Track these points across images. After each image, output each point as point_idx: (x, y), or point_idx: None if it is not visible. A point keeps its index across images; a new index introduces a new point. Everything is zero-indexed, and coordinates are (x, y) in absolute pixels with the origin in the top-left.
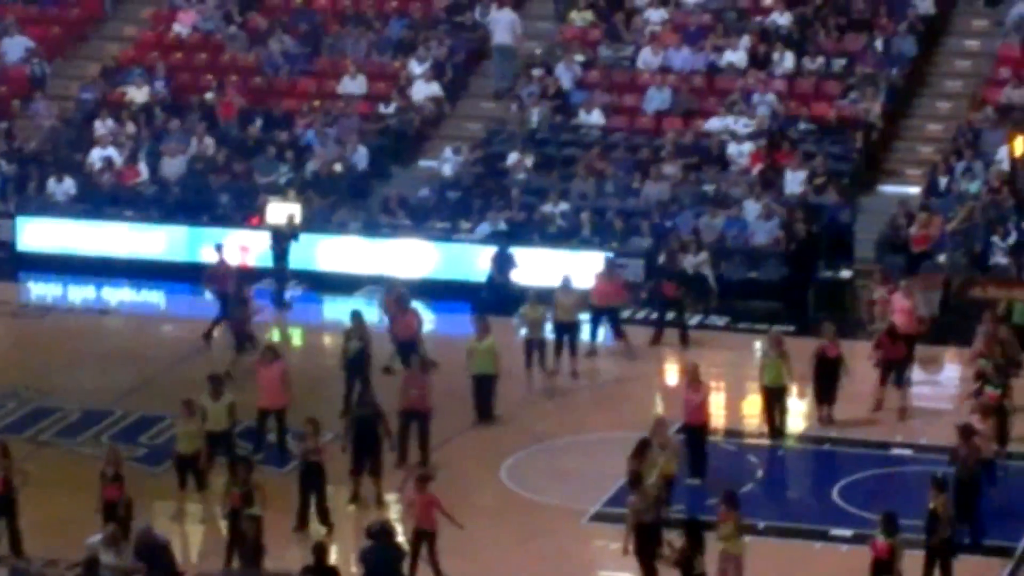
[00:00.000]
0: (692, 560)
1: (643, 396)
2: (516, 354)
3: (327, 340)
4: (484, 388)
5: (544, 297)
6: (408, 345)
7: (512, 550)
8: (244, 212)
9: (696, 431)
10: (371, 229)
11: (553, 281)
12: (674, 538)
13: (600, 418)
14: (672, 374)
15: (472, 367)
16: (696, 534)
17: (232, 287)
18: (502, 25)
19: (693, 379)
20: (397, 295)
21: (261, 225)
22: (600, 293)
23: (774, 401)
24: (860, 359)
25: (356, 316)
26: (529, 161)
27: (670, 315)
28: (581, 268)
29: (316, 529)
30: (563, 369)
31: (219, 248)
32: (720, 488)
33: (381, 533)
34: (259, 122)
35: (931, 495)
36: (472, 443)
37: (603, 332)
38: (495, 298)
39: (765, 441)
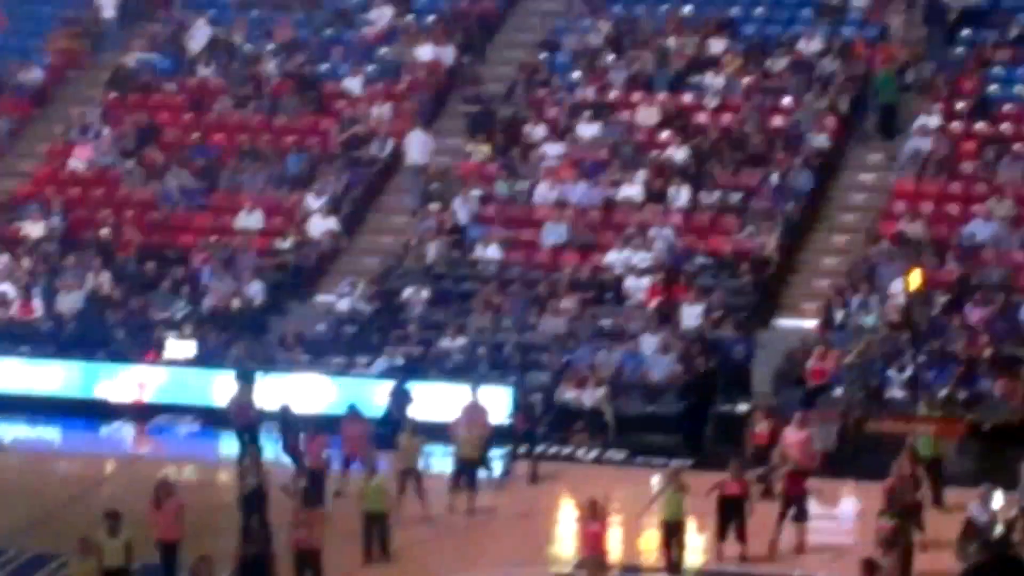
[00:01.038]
0: None
1: (537, 530)
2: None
3: (223, 475)
4: (375, 525)
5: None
6: (318, 476)
7: None
8: (140, 348)
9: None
10: (268, 365)
11: (451, 416)
12: None
13: (495, 553)
14: (567, 508)
15: (363, 504)
16: None
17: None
18: (414, 144)
19: (593, 512)
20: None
21: (157, 361)
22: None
23: (672, 536)
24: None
25: (253, 452)
26: (426, 295)
27: (521, 448)
28: (482, 402)
29: None
30: (458, 504)
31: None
32: None
33: None
34: (155, 261)
35: None
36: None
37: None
38: (392, 433)
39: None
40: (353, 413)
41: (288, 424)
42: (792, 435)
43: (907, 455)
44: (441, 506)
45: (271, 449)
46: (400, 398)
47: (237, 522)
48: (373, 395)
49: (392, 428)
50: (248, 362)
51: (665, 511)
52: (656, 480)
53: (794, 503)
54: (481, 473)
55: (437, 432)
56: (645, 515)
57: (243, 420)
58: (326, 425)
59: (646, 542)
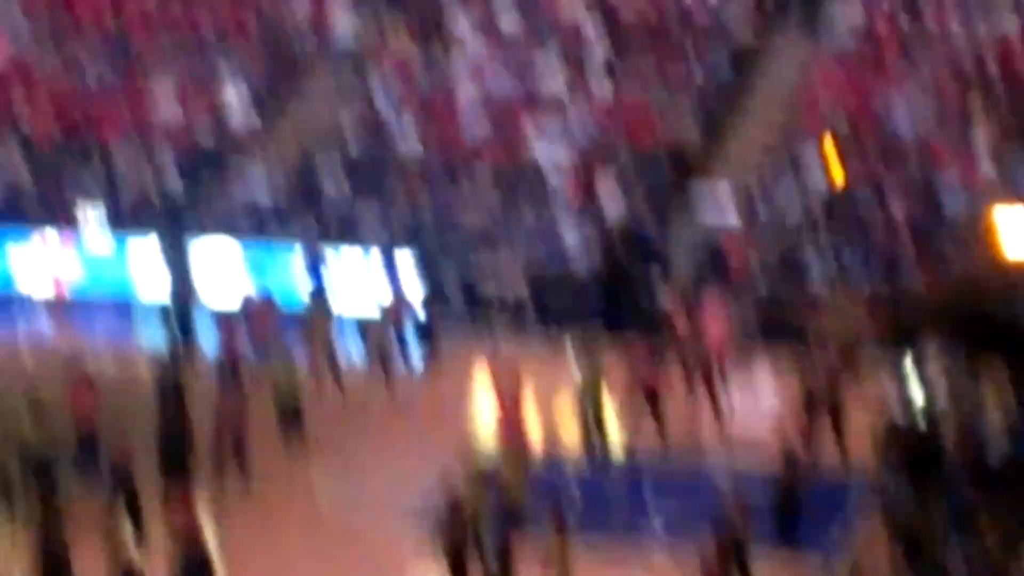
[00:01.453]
0: None
1: (458, 419)
2: None
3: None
4: (292, 415)
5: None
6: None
7: (328, 548)
8: (58, 239)
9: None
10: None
11: (368, 307)
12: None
13: (415, 442)
14: (488, 397)
15: (281, 393)
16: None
17: None
18: (335, 34)
19: (513, 401)
20: None
21: (76, 251)
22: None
23: (595, 424)
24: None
25: (171, 342)
26: (345, 187)
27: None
28: (400, 292)
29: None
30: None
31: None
32: (539, 512)
33: (197, 559)
34: (72, 151)
35: (729, 511)
36: (282, 470)
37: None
38: (308, 321)
39: (583, 464)
40: (265, 299)
41: (203, 307)
42: (712, 323)
43: (837, 341)
44: (359, 394)
45: (190, 338)
46: (317, 284)
47: (156, 412)
48: (290, 280)
49: (308, 316)
50: (169, 250)
51: (588, 400)
52: (574, 364)
53: (711, 387)
54: (399, 358)
55: (353, 317)
56: (566, 403)
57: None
58: (241, 313)
59: (567, 430)
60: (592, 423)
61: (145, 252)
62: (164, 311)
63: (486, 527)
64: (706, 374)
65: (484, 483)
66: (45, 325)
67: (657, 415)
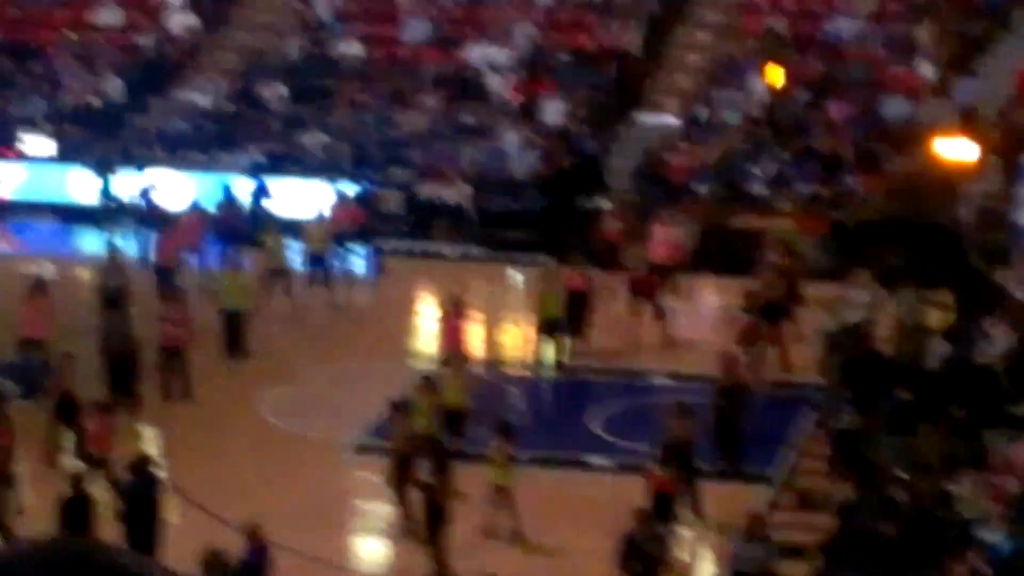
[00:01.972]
0: (435, 487)
1: (399, 326)
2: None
3: (83, 273)
4: (236, 323)
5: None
6: (167, 272)
7: (274, 484)
8: None
9: (459, 356)
10: (128, 159)
11: (310, 213)
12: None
13: (357, 349)
14: (429, 303)
15: (223, 301)
16: (441, 459)
17: None
18: None
19: (455, 307)
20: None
21: (15, 158)
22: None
23: (551, 333)
24: (617, 289)
25: (112, 250)
26: (287, 92)
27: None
28: (341, 198)
29: (72, 463)
30: (317, 300)
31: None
32: (486, 419)
33: (140, 466)
34: (11, 57)
35: (675, 422)
36: (227, 378)
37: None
38: (254, 230)
39: (526, 372)
40: (194, 207)
41: (147, 221)
42: (660, 231)
43: (781, 249)
44: (302, 300)
45: (132, 246)
46: (261, 194)
47: (99, 320)
48: (234, 191)
49: (254, 225)
50: (107, 157)
51: (545, 309)
52: (515, 273)
53: (654, 298)
54: (339, 268)
55: (297, 228)
56: (514, 311)
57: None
58: (178, 221)
59: (511, 338)
60: (551, 331)
61: (84, 158)
62: (102, 217)
63: (430, 431)
64: (649, 283)
65: (428, 388)
66: None
67: (586, 321)
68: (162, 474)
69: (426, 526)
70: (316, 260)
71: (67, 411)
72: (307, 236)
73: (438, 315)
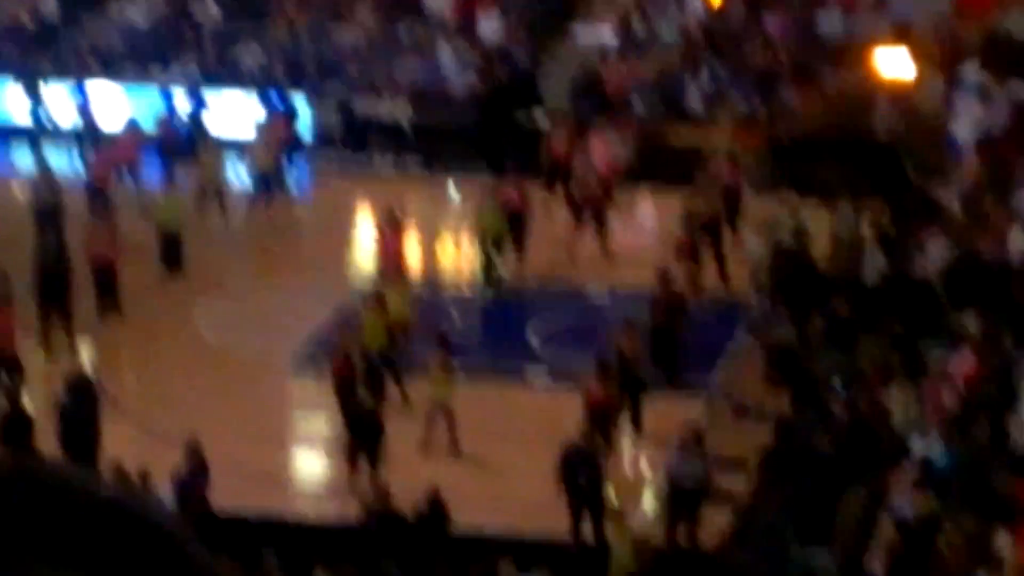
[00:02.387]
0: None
1: (336, 242)
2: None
3: (16, 190)
4: (172, 240)
5: (237, 146)
6: (100, 190)
7: (211, 398)
8: None
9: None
10: (62, 76)
11: (248, 128)
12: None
13: (294, 265)
14: (366, 219)
15: (159, 219)
16: (394, 375)
17: None
18: None
19: (391, 223)
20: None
21: None
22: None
23: (491, 249)
24: (554, 205)
25: (44, 167)
26: (219, 7)
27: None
28: (279, 114)
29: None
30: (254, 217)
31: None
32: (426, 334)
33: (78, 383)
34: None
35: (621, 336)
36: (164, 295)
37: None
38: (189, 145)
39: (465, 288)
40: (130, 125)
41: (82, 138)
42: (596, 144)
43: (720, 163)
44: (240, 219)
45: (65, 162)
46: (195, 108)
47: (32, 237)
48: (169, 106)
49: (189, 141)
50: (39, 73)
51: (484, 223)
52: (453, 189)
53: (594, 212)
54: (279, 183)
55: (234, 145)
56: (453, 228)
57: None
58: (113, 139)
59: (450, 254)
60: (491, 246)
61: (16, 75)
62: (35, 135)
63: (382, 348)
64: (588, 199)
65: (379, 304)
66: None
67: (521, 238)
68: (98, 390)
69: (365, 444)
70: (261, 180)
71: None
72: (252, 156)
73: (375, 231)
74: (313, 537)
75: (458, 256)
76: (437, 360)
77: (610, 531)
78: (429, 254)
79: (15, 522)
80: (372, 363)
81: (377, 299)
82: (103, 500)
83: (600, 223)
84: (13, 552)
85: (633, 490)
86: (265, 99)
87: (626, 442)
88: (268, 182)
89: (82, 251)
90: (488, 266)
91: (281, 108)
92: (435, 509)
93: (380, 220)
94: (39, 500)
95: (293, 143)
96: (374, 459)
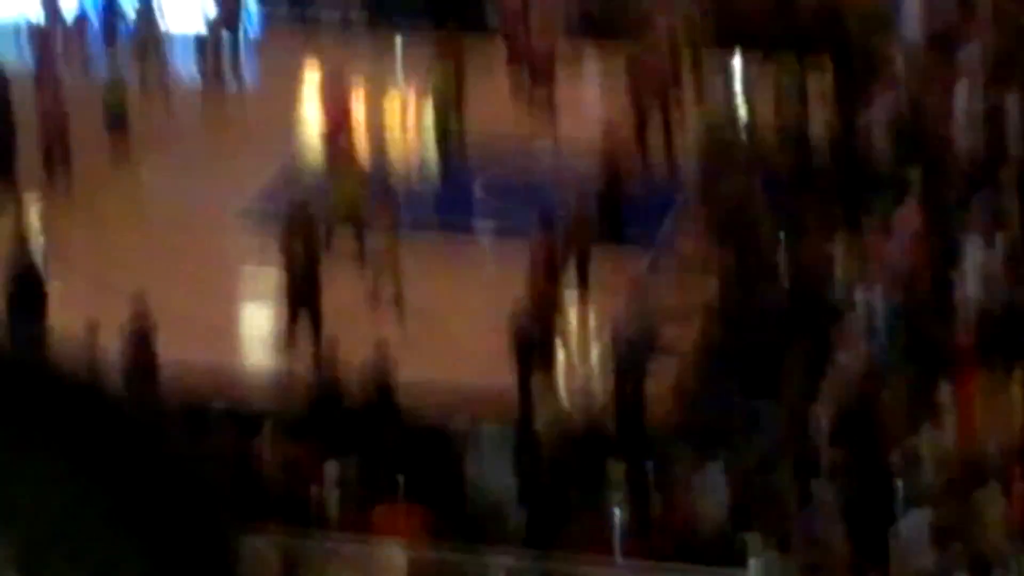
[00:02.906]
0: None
1: (283, 97)
2: None
3: None
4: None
5: None
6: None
7: (160, 252)
8: None
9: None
10: None
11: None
12: None
13: (242, 119)
14: (313, 73)
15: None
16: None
17: None
18: None
19: (338, 80)
20: None
21: None
22: None
23: (444, 107)
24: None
25: None
26: None
27: None
28: None
29: None
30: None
31: None
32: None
33: (21, 241)
34: None
35: (566, 190)
36: (109, 150)
37: None
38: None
39: (413, 142)
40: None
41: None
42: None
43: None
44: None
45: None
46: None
47: None
48: None
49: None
50: None
51: (436, 81)
52: (399, 45)
53: (542, 66)
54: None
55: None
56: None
57: None
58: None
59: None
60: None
61: None
62: None
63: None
64: (535, 69)
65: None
66: None
67: (460, 108)
68: (42, 244)
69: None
70: (206, 60)
71: None
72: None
73: (326, 111)
74: (261, 392)
75: (406, 114)
76: (380, 211)
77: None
78: (377, 109)
79: None
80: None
81: (345, 159)
82: (58, 379)
83: (548, 78)
84: None
85: (581, 344)
86: None
87: (572, 296)
88: (215, 63)
89: (31, 111)
90: (440, 123)
91: None
92: (383, 375)
93: (328, 98)
94: None
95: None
96: (315, 316)
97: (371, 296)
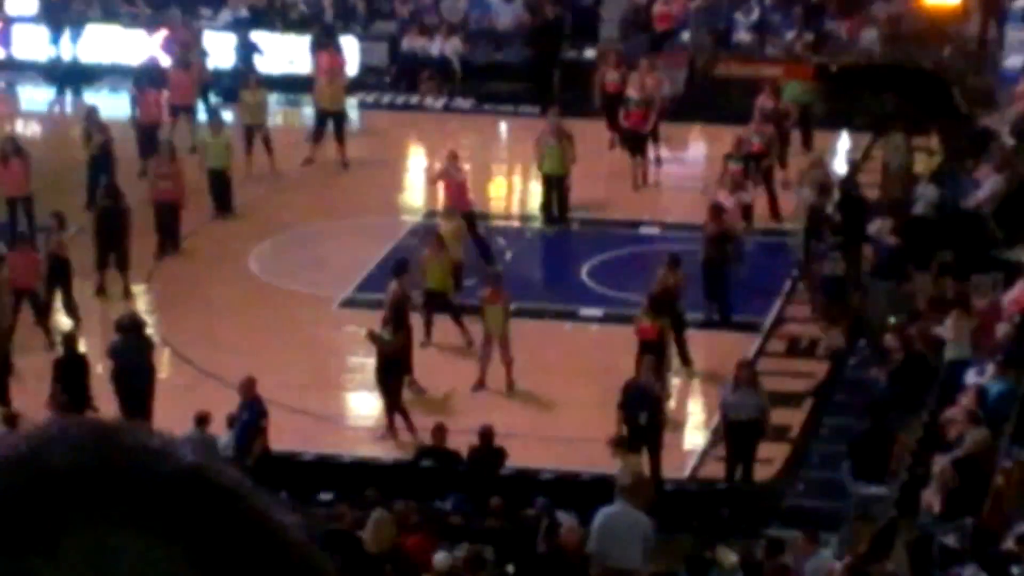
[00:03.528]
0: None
1: (390, 181)
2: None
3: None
4: (221, 181)
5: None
6: (151, 129)
7: (264, 340)
8: None
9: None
10: (111, 17)
11: (300, 68)
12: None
13: (345, 204)
14: (416, 158)
15: (208, 159)
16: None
17: None
18: None
19: (450, 161)
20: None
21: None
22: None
23: (553, 188)
24: (604, 138)
25: (92, 111)
26: None
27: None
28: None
29: (62, 321)
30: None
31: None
32: (478, 271)
33: (131, 326)
34: None
35: (665, 271)
36: (215, 234)
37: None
38: (237, 86)
39: (514, 223)
40: (179, 63)
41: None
42: (644, 78)
43: (769, 92)
44: (289, 160)
45: (118, 105)
46: (246, 50)
47: (86, 180)
48: (218, 47)
49: (238, 81)
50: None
51: (547, 164)
52: (503, 126)
53: (643, 145)
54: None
55: (285, 84)
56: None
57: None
58: (160, 78)
59: (496, 189)
60: (554, 187)
61: (65, 17)
62: (79, 76)
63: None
64: (639, 133)
65: (439, 244)
66: None
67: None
68: (152, 331)
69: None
70: (325, 116)
71: (56, 271)
72: (317, 93)
73: (428, 169)
74: (369, 475)
75: (512, 192)
76: (489, 297)
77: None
78: (481, 190)
79: (90, 486)
80: (434, 302)
81: (437, 239)
82: (181, 466)
83: (648, 156)
84: (89, 516)
85: (689, 426)
86: (321, 38)
87: (679, 378)
88: (330, 119)
89: (146, 191)
90: (547, 202)
91: (332, 46)
92: (489, 449)
93: (436, 157)
94: (115, 463)
95: (344, 78)
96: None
97: (478, 383)
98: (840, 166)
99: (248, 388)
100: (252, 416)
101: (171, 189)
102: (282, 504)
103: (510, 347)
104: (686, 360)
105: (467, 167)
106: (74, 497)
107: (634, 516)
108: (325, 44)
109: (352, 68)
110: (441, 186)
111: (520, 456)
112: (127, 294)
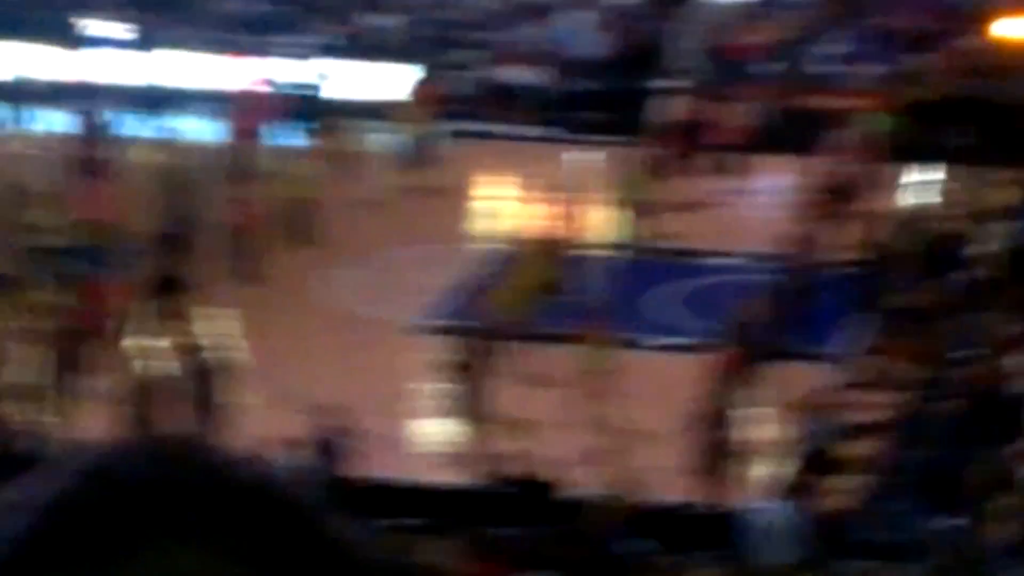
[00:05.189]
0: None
1: (472, 208)
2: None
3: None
4: (301, 208)
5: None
6: (236, 154)
7: (344, 366)
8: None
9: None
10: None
11: (388, 94)
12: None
13: (428, 232)
14: (502, 186)
15: (288, 186)
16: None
17: None
18: None
19: (551, 192)
20: None
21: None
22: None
23: (639, 215)
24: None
25: (175, 133)
26: None
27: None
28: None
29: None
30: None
31: None
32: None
33: (194, 353)
34: None
35: (748, 301)
36: (294, 262)
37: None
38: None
39: (601, 252)
40: (264, 91)
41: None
42: (726, 112)
43: (855, 128)
44: (375, 185)
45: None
46: (326, 78)
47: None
48: (300, 75)
49: (319, 109)
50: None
51: (628, 191)
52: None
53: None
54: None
55: (368, 111)
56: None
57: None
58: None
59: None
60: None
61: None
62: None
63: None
64: (716, 165)
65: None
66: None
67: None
68: (225, 356)
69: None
70: (410, 144)
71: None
72: (403, 120)
73: (519, 197)
74: (452, 502)
75: (596, 220)
76: (592, 328)
77: None
78: (569, 218)
79: (164, 500)
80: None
81: (518, 266)
82: (251, 483)
83: (726, 188)
84: (162, 530)
85: (764, 457)
86: (401, 66)
87: (755, 409)
88: (421, 148)
89: (222, 215)
90: (625, 230)
91: (423, 75)
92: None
93: (532, 187)
94: (187, 479)
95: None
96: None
97: (569, 412)
98: (920, 198)
99: (330, 415)
100: (333, 442)
101: (247, 214)
102: (359, 525)
103: (606, 379)
104: (764, 391)
105: (557, 195)
106: (148, 511)
107: None
108: (415, 73)
109: (440, 96)
110: (533, 215)
111: (592, 485)
112: (188, 320)
